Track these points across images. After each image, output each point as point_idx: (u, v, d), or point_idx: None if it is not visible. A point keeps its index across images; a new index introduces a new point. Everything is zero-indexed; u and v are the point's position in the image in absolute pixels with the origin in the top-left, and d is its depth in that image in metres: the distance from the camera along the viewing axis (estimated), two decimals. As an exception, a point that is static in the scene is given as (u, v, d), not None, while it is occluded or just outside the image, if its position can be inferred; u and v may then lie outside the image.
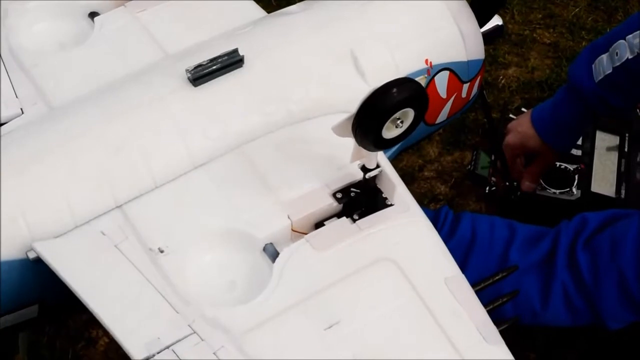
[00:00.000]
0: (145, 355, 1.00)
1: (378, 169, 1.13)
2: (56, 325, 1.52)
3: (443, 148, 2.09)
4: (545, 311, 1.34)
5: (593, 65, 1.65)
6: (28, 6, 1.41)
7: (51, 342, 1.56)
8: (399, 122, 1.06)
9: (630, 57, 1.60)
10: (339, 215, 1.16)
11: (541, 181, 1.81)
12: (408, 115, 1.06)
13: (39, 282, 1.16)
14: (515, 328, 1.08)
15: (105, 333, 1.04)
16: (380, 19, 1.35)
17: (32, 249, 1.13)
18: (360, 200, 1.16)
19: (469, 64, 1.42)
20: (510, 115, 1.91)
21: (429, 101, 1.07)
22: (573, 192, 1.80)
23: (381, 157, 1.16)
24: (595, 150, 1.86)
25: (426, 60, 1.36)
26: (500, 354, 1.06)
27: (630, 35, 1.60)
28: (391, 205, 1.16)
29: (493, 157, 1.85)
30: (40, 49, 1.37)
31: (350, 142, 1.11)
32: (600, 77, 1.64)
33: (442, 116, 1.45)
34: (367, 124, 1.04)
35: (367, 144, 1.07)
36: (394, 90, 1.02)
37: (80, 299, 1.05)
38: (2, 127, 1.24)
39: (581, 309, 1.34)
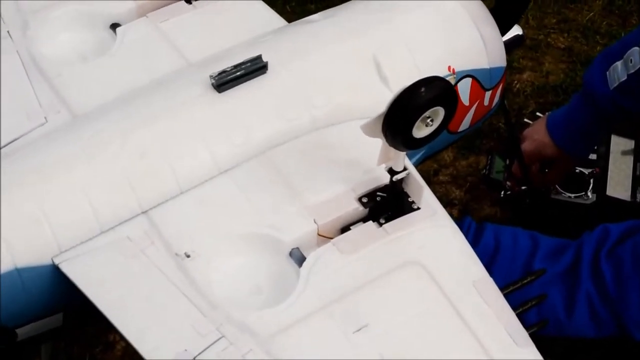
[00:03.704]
0: None
1: (405, 172, 1.13)
2: (74, 330, 1.51)
3: (458, 152, 2.09)
4: (570, 321, 1.33)
5: (607, 73, 1.65)
6: (49, 17, 1.42)
7: (69, 346, 1.55)
8: (429, 120, 1.06)
9: None
10: (365, 219, 1.16)
11: (556, 185, 1.81)
12: (438, 114, 1.06)
13: (64, 288, 1.16)
14: (535, 339, 1.08)
15: (123, 337, 1.03)
16: (402, 26, 1.36)
17: (58, 255, 1.13)
18: (386, 204, 1.16)
19: (491, 71, 1.43)
20: (526, 120, 1.91)
21: (458, 101, 1.07)
22: (588, 196, 1.80)
23: (407, 161, 1.16)
24: (611, 154, 1.86)
25: (449, 67, 1.36)
26: (530, 356, 1.05)
27: None
28: (418, 208, 1.15)
29: (508, 162, 1.84)
30: (63, 59, 1.38)
31: (375, 147, 1.11)
32: (615, 84, 1.64)
33: (465, 124, 1.45)
34: (397, 122, 1.04)
35: (397, 144, 1.07)
36: (424, 88, 1.02)
37: (108, 318, 1.05)
38: (26, 135, 1.24)
39: (606, 320, 1.33)
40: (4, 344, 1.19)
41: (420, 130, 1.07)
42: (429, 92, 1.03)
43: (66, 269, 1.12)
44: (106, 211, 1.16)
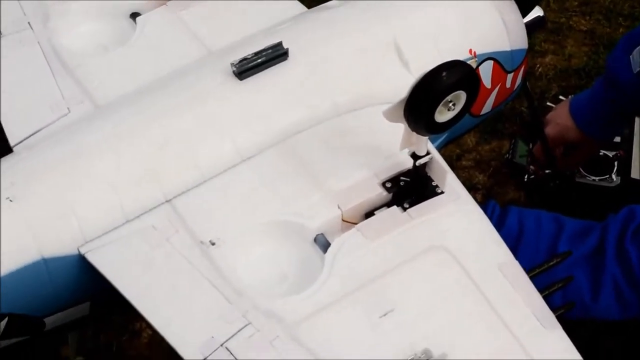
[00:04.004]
0: (199, 357, 1.00)
1: (428, 156, 1.13)
2: (101, 318, 1.52)
3: (481, 137, 2.08)
4: (595, 304, 1.32)
5: (631, 57, 1.64)
6: (70, 8, 1.43)
7: (96, 335, 1.56)
8: (451, 104, 1.05)
9: None
10: (389, 204, 1.16)
11: (580, 168, 1.80)
12: (460, 98, 1.06)
13: (90, 278, 1.17)
14: (561, 322, 1.07)
15: (149, 325, 1.04)
16: (423, 10, 1.35)
17: (84, 245, 1.13)
18: (410, 188, 1.16)
19: (512, 53, 1.42)
20: (548, 103, 1.89)
21: (480, 84, 1.07)
22: (613, 179, 1.79)
23: (430, 145, 1.15)
24: (635, 137, 1.84)
25: (470, 50, 1.35)
26: (557, 339, 1.05)
27: None
28: (442, 193, 1.15)
29: (531, 146, 1.83)
30: (84, 50, 1.39)
31: (397, 132, 1.11)
32: (638, 68, 1.62)
33: (487, 107, 1.44)
34: (419, 107, 1.04)
35: (419, 128, 1.07)
36: (446, 72, 1.02)
37: (135, 307, 1.06)
38: (50, 126, 1.25)
39: (631, 301, 1.32)
40: (33, 333, 1.20)
41: (443, 115, 1.06)
42: (451, 76, 1.02)
43: (92, 258, 1.12)
44: (130, 200, 1.16)
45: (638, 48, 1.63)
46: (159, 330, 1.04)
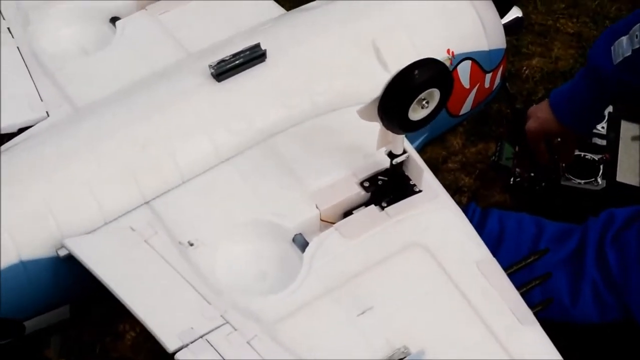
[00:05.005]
0: (179, 344, 1.00)
1: (405, 155, 1.13)
2: (83, 319, 1.52)
3: (467, 139, 2.08)
4: (575, 307, 1.33)
5: (612, 47, 1.64)
6: (50, 12, 1.43)
7: (79, 336, 1.56)
8: (424, 102, 1.06)
9: None
10: (367, 203, 1.16)
11: (566, 172, 1.80)
12: (433, 95, 1.06)
13: (69, 280, 1.17)
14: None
15: (132, 327, 1.03)
16: (401, 11, 1.36)
17: (62, 247, 1.13)
18: (388, 187, 1.16)
19: (490, 53, 1.42)
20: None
21: (454, 82, 1.07)
22: (598, 182, 1.79)
23: (407, 144, 1.16)
24: (620, 140, 1.84)
25: (448, 50, 1.36)
26: (534, 334, 1.05)
27: None
28: (419, 191, 1.15)
29: (517, 148, 1.84)
30: (63, 53, 1.39)
31: (376, 131, 1.11)
32: (619, 59, 1.63)
33: (466, 107, 1.45)
34: (392, 105, 1.04)
35: (393, 127, 1.07)
36: (418, 70, 1.02)
37: (112, 292, 1.06)
38: (29, 129, 1.25)
39: (610, 305, 1.33)
40: (13, 336, 1.20)
41: (417, 113, 1.07)
42: (423, 74, 1.03)
43: (72, 247, 1.12)
44: (109, 202, 1.16)
45: (619, 40, 1.63)
46: (139, 316, 1.03)
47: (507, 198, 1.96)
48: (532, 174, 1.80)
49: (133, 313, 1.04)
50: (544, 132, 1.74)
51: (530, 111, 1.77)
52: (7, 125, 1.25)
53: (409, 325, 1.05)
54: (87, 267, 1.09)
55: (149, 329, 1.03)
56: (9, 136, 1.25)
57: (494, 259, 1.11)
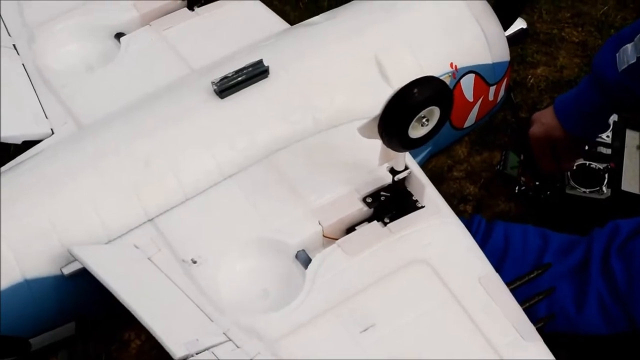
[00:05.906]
0: (184, 353, 1.00)
1: (407, 171, 1.13)
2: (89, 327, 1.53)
3: (472, 148, 2.08)
4: (580, 317, 1.33)
5: (617, 55, 1.64)
6: (55, 29, 1.43)
7: (85, 347, 1.56)
8: (424, 120, 1.06)
9: None
10: (369, 219, 1.16)
11: (571, 180, 1.80)
12: (433, 113, 1.06)
13: (74, 298, 1.17)
14: (546, 338, 1.07)
15: (138, 335, 1.03)
16: (404, 25, 1.36)
17: (67, 265, 1.14)
18: (390, 203, 1.16)
19: (494, 66, 1.42)
20: None
21: (454, 99, 1.07)
22: (603, 191, 1.79)
23: (409, 160, 1.16)
24: (625, 149, 1.84)
25: (451, 64, 1.36)
26: (537, 351, 1.05)
27: None
28: (422, 207, 1.16)
29: (522, 157, 1.84)
30: (68, 70, 1.39)
31: (378, 147, 1.11)
32: (624, 66, 1.62)
33: (470, 120, 1.45)
34: (392, 124, 1.04)
35: (394, 145, 1.07)
36: (417, 89, 1.02)
37: (120, 299, 1.05)
38: (34, 147, 1.26)
39: (616, 316, 1.33)
40: (19, 354, 1.20)
41: (417, 130, 1.07)
42: (423, 92, 1.03)
43: (81, 255, 1.12)
44: (113, 220, 1.17)
45: (624, 47, 1.63)
46: (147, 323, 1.03)
47: (512, 207, 1.97)
48: (537, 183, 1.80)
49: (139, 319, 1.04)
50: (548, 138, 1.74)
51: (534, 117, 1.77)
52: (12, 136, 1.26)
53: (412, 342, 1.05)
54: (92, 272, 1.09)
55: (155, 336, 1.02)
56: (16, 150, 1.26)
57: (497, 274, 1.11)
